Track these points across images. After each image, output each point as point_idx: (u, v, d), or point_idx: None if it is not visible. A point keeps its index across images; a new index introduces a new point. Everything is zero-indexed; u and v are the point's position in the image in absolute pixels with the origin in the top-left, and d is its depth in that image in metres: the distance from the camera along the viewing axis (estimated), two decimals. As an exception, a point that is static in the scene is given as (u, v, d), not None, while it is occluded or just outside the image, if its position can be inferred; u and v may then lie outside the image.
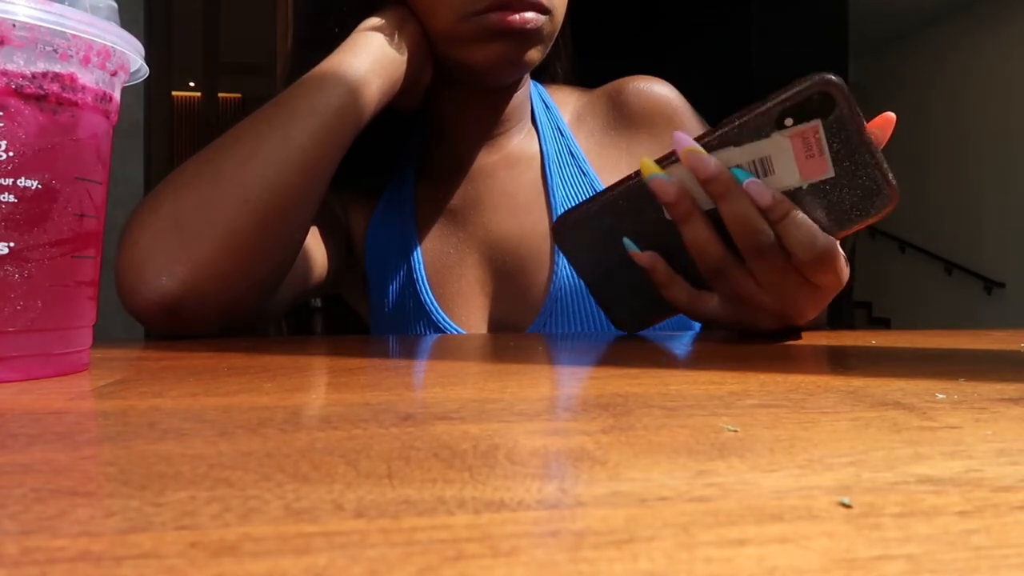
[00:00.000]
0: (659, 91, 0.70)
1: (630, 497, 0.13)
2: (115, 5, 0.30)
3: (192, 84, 7.06)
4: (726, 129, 0.42)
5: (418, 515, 0.12)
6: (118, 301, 0.45)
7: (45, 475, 0.15)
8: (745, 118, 0.41)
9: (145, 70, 0.32)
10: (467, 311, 0.64)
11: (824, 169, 0.41)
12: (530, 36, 0.57)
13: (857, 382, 0.26)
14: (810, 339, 0.47)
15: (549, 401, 0.23)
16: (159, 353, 0.37)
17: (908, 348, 0.41)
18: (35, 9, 0.26)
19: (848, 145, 0.41)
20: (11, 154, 0.26)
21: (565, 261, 0.62)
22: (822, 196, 0.42)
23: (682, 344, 0.44)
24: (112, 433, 0.19)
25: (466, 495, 0.13)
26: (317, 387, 0.26)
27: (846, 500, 0.13)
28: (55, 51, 0.27)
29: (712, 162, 0.42)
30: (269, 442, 0.17)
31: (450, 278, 0.65)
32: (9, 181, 0.26)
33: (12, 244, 0.26)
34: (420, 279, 0.64)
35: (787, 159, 0.42)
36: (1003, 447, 0.17)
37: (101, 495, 0.13)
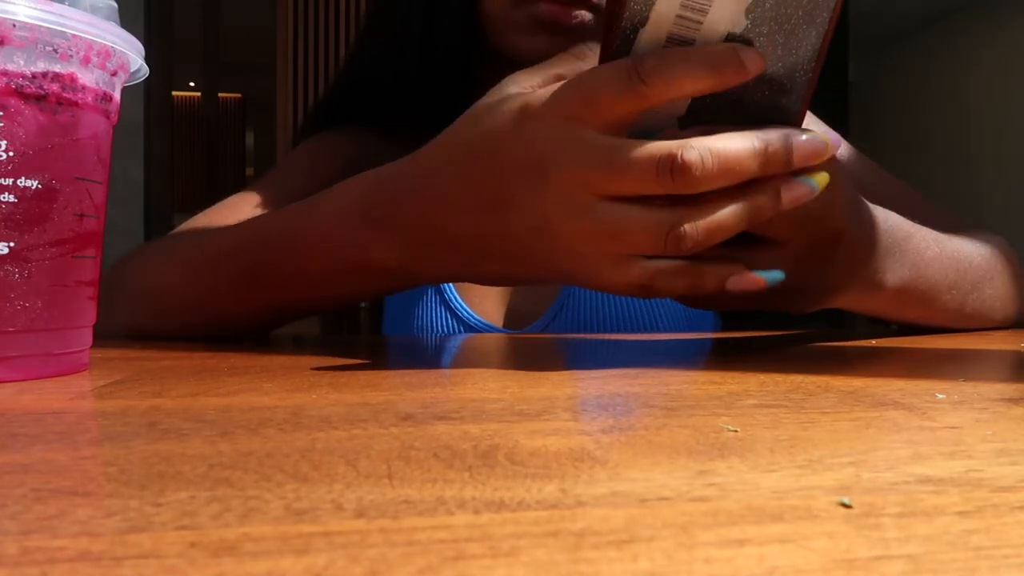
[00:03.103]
0: None
1: (630, 497, 0.13)
2: (115, 5, 0.30)
3: (192, 84, 7.06)
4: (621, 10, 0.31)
5: (418, 515, 0.12)
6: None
7: (45, 475, 0.15)
8: None
9: (145, 70, 0.32)
10: (481, 293, 0.63)
11: None
12: (578, 33, 0.57)
13: (857, 382, 0.26)
14: (811, 339, 0.47)
15: (549, 401, 0.23)
16: (159, 353, 0.37)
17: (908, 348, 0.41)
18: (35, 9, 0.26)
19: None
20: (11, 154, 0.26)
21: None
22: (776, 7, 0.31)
23: (682, 344, 0.44)
24: (112, 433, 0.19)
25: (466, 495, 0.13)
26: (317, 387, 0.26)
27: (846, 500, 0.13)
28: (55, 51, 0.27)
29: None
30: (269, 442, 0.17)
31: None
32: (9, 181, 0.26)
33: (12, 244, 0.26)
34: None
35: None
36: (1003, 447, 0.17)
37: (101, 495, 0.13)
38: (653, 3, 0.30)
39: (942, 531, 0.12)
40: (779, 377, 0.28)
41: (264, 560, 0.10)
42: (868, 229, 0.39)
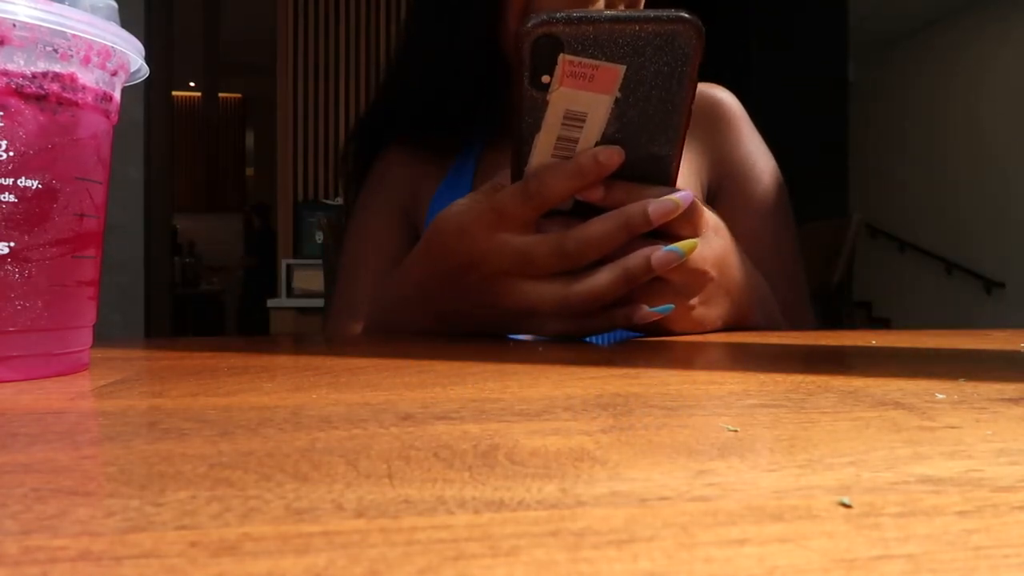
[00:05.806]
0: (717, 95, 0.77)
1: (630, 497, 0.13)
2: (115, 5, 0.30)
3: (192, 84, 7.07)
4: (519, 131, 0.40)
5: (418, 515, 0.12)
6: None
7: (45, 475, 0.15)
8: (521, 105, 0.39)
9: (145, 70, 0.32)
10: None
11: (615, 73, 0.38)
12: None
13: (857, 382, 0.26)
14: (811, 339, 0.47)
15: (549, 401, 0.23)
16: (159, 353, 0.37)
17: (908, 348, 0.41)
18: (35, 9, 0.26)
19: (600, 39, 0.37)
20: (11, 154, 0.26)
21: None
22: (638, 89, 0.39)
23: (682, 344, 0.44)
24: (112, 433, 0.19)
25: (466, 495, 0.13)
26: (317, 387, 0.26)
27: (846, 500, 0.13)
28: (55, 51, 0.27)
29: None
30: (269, 442, 0.17)
31: None
32: (9, 181, 0.26)
33: (12, 244, 0.26)
34: None
35: (583, 98, 0.39)
36: (1003, 447, 0.17)
37: (101, 495, 0.13)
38: (544, 115, 0.40)
39: (942, 531, 0.12)
40: (779, 377, 0.28)
41: (264, 560, 0.10)
42: (734, 277, 0.50)
